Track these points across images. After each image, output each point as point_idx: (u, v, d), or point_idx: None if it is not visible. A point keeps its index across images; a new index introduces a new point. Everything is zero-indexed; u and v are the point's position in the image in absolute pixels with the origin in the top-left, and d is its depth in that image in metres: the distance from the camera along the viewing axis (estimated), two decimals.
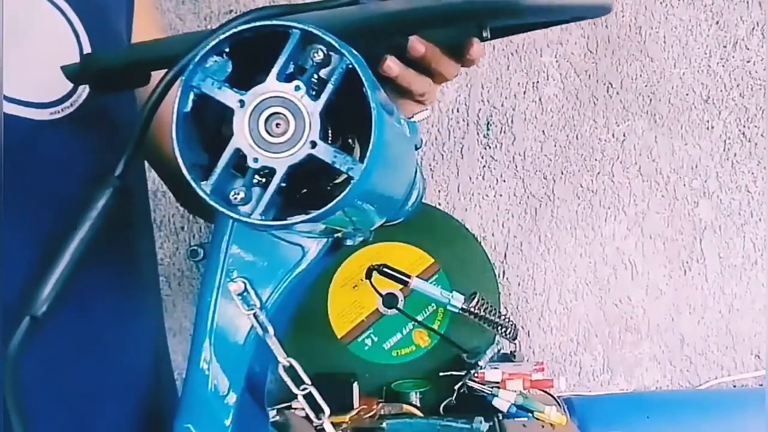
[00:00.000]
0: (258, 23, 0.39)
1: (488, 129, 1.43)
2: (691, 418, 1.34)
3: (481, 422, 1.13)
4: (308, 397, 0.53)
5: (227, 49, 0.40)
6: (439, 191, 1.43)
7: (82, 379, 0.59)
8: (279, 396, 0.81)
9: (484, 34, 0.50)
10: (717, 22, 1.41)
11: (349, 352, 1.30)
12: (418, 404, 1.24)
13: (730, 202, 1.44)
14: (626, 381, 1.46)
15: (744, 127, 1.43)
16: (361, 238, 0.55)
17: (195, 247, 1.12)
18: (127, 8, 0.69)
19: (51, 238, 0.48)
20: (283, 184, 0.38)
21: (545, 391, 1.21)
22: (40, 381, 0.54)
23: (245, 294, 0.53)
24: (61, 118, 0.56)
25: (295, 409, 0.88)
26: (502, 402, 1.14)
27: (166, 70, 0.45)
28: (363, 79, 0.38)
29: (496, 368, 1.21)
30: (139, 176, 0.69)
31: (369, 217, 0.48)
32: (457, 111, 1.42)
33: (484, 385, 1.19)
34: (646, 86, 1.42)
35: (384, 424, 1.16)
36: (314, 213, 0.38)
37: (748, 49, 1.42)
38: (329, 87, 0.38)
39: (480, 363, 1.22)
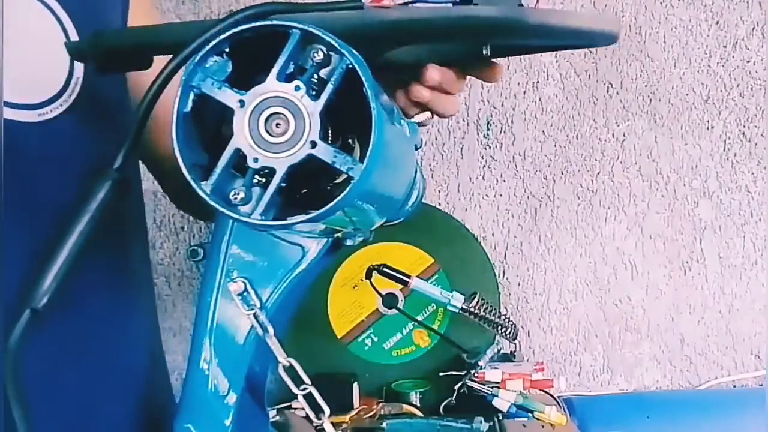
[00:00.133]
0: (258, 23, 0.39)
1: (488, 129, 1.43)
2: (691, 418, 1.34)
3: (481, 422, 1.13)
4: (308, 397, 0.53)
5: (227, 49, 0.40)
6: (439, 191, 1.43)
7: (79, 379, 0.59)
8: (279, 396, 0.81)
9: (485, 52, 0.50)
10: (717, 22, 1.41)
11: (349, 352, 1.30)
12: (418, 404, 1.24)
13: (730, 202, 1.44)
14: (626, 381, 1.46)
15: (744, 127, 1.43)
16: (361, 238, 0.55)
17: (195, 247, 1.12)
18: (122, 4, 0.68)
19: (43, 240, 0.48)
20: (283, 184, 0.38)
21: (545, 391, 1.21)
22: (37, 381, 0.54)
23: (245, 294, 0.53)
24: (49, 119, 0.56)
25: (295, 409, 0.88)
26: (502, 402, 1.14)
27: (167, 61, 0.44)
28: (363, 79, 0.38)
29: (496, 368, 1.21)
30: (134, 174, 0.69)
31: (369, 217, 0.48)
32: (457, 111, 1.42)
33: (484, 385, 1.19)
34: (646, 86, 1.42)
35: (384, 424, 1.16)
36: (314, 213, 0.38)
37: (748, 49, 1.42)
38: (329, 87, 0.38)
39: (480, 363, 1.22)
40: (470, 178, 1.43)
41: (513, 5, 0.47)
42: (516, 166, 1.43)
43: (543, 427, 1.11)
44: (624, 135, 1.43)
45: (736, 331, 1.45)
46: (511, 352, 1.35)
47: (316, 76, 0.39)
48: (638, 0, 1.41)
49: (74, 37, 0.58)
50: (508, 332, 1.24)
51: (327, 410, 0.53)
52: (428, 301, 1.25)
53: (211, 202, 0.38)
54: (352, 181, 0.37)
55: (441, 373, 1.26)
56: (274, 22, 0.39)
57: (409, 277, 1.17)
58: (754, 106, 1.42)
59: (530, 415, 1.13)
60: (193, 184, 0.38)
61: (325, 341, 1.30)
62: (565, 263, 1.44)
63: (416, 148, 0.59)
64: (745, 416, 1.30)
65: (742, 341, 1.45)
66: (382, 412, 1.21)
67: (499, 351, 1.29)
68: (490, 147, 1.43)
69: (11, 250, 0.52)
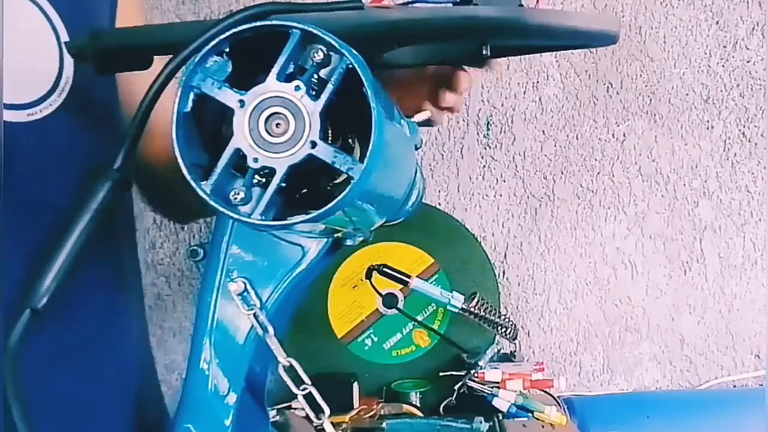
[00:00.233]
0: (258, 23, 0.39)
1: (488, 129, 1.42)
2: (691, 418, 1.34)
3: (481, 422, 1.13)
4: (308, 397, 0.53)
5: (227, 49, 0.40)
6: (439, 191, 1.43)
7: (76, 379, 0.59)
8: (279, 396, 0.81)
9: (484, 52, 0.50)
10: (717, 22, 1.41)
11: (349, 352, 1.30)
12: (418, 404, 1.24)
13: (730, 202, 1.44)
14: (626, 381, 1.46)
15: (744, 127, 1.43)
16: (361, 238, 0.55)
17: (195, 247, 1.12)
18: (111, 3, 0.68)
19: (35, 240, 0.48)
20: (283, 184, 0.38)
21: (545, 391, 1.21)
22: (34, 381, 0.54)
23: (245, 294, 0.53)
24: (39, 119, 0.56)
25: (295, 409, 0.88)
26: (502, 402, 1.14)
27: (167, 60, 0.44)
28: (363, 79, 0.38)
29: (496, 368, 1.21)
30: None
31: (369, 217, 0.48)
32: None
33: (484, 385, 1.19)
34: (646, 86, 1.42)
35: (384, 424, 1.16)
36: (314, 213, 0.38)
37: (748, 49, 1.42)
38: (329, 87, 0.38)
39: (480, 363, 1.22)
40: (470, 178, 1.43)
41: (513, 5, 0.47)
42: (516, 166, 1.43)
43: (543, 427, 1.11)
44: (624, 135, 1.43)
45: (736, 331, 1.45)
46: (511, 352, 1.35)
47: (316, 76, 0.39)
48: (638, 0, 1.41)
49: (64, 36, 0.58)
50: (508, 332, 1.24)
51: (327, 410, 0.53)
52: (428, 301, 1.25)
53: (211, 202, 0.38)
54: (352, 181, 0.37)
55: (441, 373, 1.26)
56: (274, 22, 0.39)
57: (409, 277, 1.17)
58: (754, 106, 1.42)
59: (530, 415, 1.13)
60: (193, 184, 0.38)
61: (325, 341, 1.30)
62: (565, 263, 1.44)
63: (416, 148, 0.59)
64: (745, 416, 1.30)
65: (742, 341, 1.45)
66: (382, 412, 1.21)
67: (499, 351, 1.29)
68: (490, 147, 1.43)
69: (4, 251, 0.52)
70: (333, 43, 0.38)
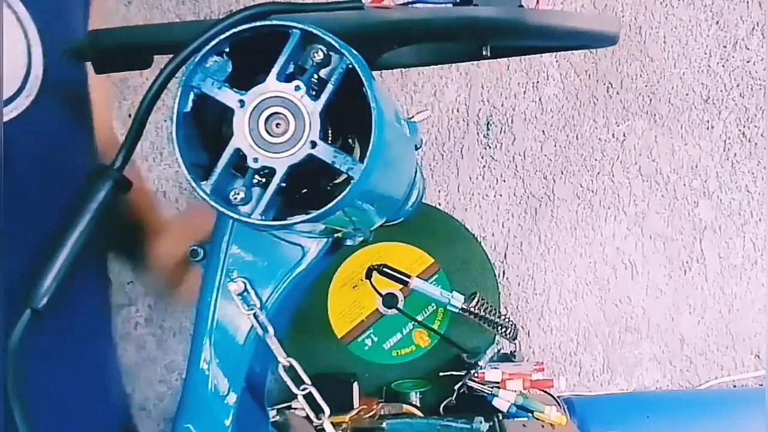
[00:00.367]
0: (258, 23, 0.39)
1: (488, 129, 1.42)
2: (691, 418, 1.34)
3: (481, 422, 1.13)
4: (308, 397, 0.53)
5: (227, 49, 0.40)
6: (439, 191, 1.43)
7: (73, 380, 0.59)
8: (279, 396, 0.81)
9: (484, 52, 0.50)
10: (717, 22, 1.41)
11: (349, 352, 1.30)
12: (418, 404, 1.24)
13: (730, 202, 1.44)
14: (626, 381, 1.46)
15: (744, 127, 1.43)
16: (361, 238, 0.55)
17: (195, 247, 1.12)
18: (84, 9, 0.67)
19: (18, 236, 0.48)
20: (283, 184, 0.38)
21: (545, 391, 1.21)
22: (31, 382, 0.54)
23: (245, 294, 0.53)
24: (8, 120, 0.55)
25: (295, 409, 0.88)
26: (502, 402, 1.14)
27: (168, 59, 0.44)
28: (363, 79, 0.38)
29: (496, 368, 1.21)
30: None
31: (369, 217, 0.48)
32: (457, 111, 1.42)
33: (484, 385, 1.19)
34: (646, 86, 1.42)
35: (384, 424, 1.16)
36: (314, 213, 0.38)
37: (748, 49, 1.42)
38: (329, 87, 0.38)
39: (480, 363, 1.22)
40: (470, 178, 1.43)
41: (513, 6, 0.47)
42: (516, 166, 1.43)
43: (543, 427, 1.11)
44: (624, 135, 1.43)
45: (736, 331, 1.45)
46: (511, 352, 1.35)
47: (316, 76, 0.39)
48: (638, 0, 1.41)
49: (33, 35, 0.57)
50: (508, 332, 1.24)
51: (327, 410, 0.53)
52: (428, 301, 1.25)
53: (211, 202, 0.38)
54: (352, 181, 0.37)
55: (441, 373, 1.26)
56: (274, 22, 0.39)
57: (409, 277, 1.17)
58: (754, 106, 1.42)
59: (530, 415, 1.12)
60: (193, 184, 0.38)
61: (325, 341, 1.30)
62: (565, 263, 1.44)
63: (416, 148, 0.59)
64: (745, 416, 1.30)
65: (742, 341, 1.45)
66: (382, 412, 1.21)
67: (499, 351, 1.29)
68: (490, 147, 1.43)
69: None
70: (333, 43, 0.38)
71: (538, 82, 1.42)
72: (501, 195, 1.43)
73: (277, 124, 0.38)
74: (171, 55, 0.43)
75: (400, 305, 1.28)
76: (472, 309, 1.18)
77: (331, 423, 0.54)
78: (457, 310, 1.18)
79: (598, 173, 1.43)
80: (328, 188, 0.42)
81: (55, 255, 0.46)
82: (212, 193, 0.38)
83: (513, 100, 1.42)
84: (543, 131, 1.43)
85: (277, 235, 0.53)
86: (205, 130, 0.41)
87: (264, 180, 0.39)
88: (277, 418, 0.79)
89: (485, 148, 1.43)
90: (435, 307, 1.30)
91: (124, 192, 0.48)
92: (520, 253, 1.44)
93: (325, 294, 1.30)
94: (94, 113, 0.66)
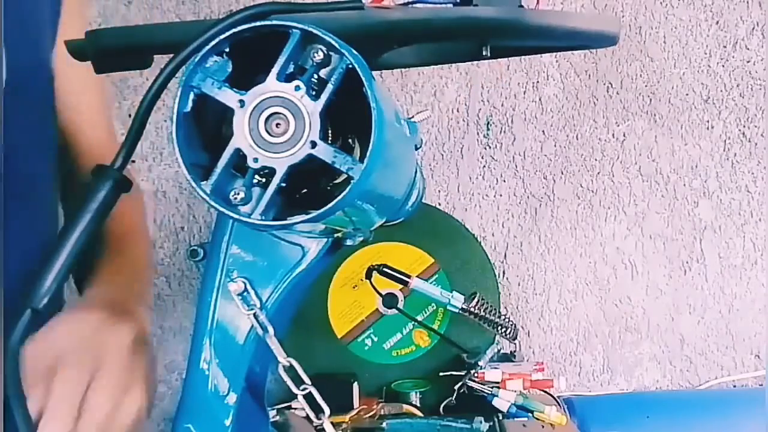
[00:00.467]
0: (258, 23, 0.39)
1: (488, 129, 1.42)
2: (691, 418, 1.34)
3: (481, 422, 1.13)
4: (308, 397, 0.53)
5: (227, 49, 0.40)
6: (439, 191, 1.43)
7: None
8: (279, 396, 0.81)
9: (484, 52, 0.50)
10: (717, 22, 1.41)
11: (349, 352, 1.30)
12: (418, 404, 1.24)
13: (730, 202, 1.44)
14: (626, 381, 1.46)
15: (744, 127, 1.43)
16: (361, 238, 0.55)
17: (195, 247, 1.11)
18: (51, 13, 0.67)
19: None
20: (283, 184, 0.38)
21: (545, 391, 1.21)
22: None
23: (245, 294, 0.53)
24: None
25: (295, 409, 0.88)
26: (502, 402, 1.14)
27: (168, 59, 0.44)
28: (363, 79, 0.38)
29: (496, 368, 1.21)
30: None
31: (369, 217, 0.48)
32: (457, 111, 1.42)
33: (484, 385, 1.19)
34: (646, 86, 1.42)
35: (384, 424, 1.16)
36: (314, 213, 0.38)
37: (748, 49, 1.42)
38: (329, 87, 0.38)
39: (480, 363, 1.22)
40: (470, 178, 1.43)
41: (513, 6, 0.47)
42: (516, 166, 1.43)
43: (543, 427, 1.11)
44: (624, 135, 1.43)
45: (736, 331, 1.45)
46: (511, 352, 1.35)
47: (316, 76, 0.39)
48: (638, 0, 1.41)
49: None
50: (508, 332, 1.24)
51: (327, 410, 0.53)
52: (428, 301, 1.25)
53: (211, 202, 0.38)
54: (352, 181, 0.37)
55: (441, 373, 1.26)
56: (274, 22, 0.39)
57: (409, 277, 1.17)
58: (754, 106, 1.42)
59: (530, 415, 1.12)
60: (193, 184, 0.38)
61: (325, 341, 1.30)
62: (565, 263, 1.44)
63: (416, 148, 0.59)
64: (745, 416, 1.30)
65: (742, 341, 1.45)
66: (382, 412, 1.21)
67: (499, 351, 1.29)
68: (490, 147, 1.43)
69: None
70: (333, 43, 0.38)
71: (538, 82, 1.42)
72: (501, 195, 1.43)
73: (277, 124, 0.38)
74: (171, 55, 0.43)
75: (400, 305, 1.28)
76: (472, 309, 1.18)
77: (331, 423, 0.54)
78: (457, 310, 1.18)
79: (598, 173, 1.43)
80: (328, 188, 0.42)
81: (55, 255, 0.46)
82: (212, 193, 0.38)
83: (513, 100, 1.42)
84: (543, 131, 1.43)
85: (277, 235, 0.53)
86: (205, 130, 0.41)
87: (264, 180, 0.39)
88: (277, 418, 0.79)
89: (485, 148, 1.43)
90: (435, 307, 1.30)
91: (124, 192, 0.48)
92: (520, 253, 1.44)
93: (325, 294, 1.30)
94: (86, 115, 0.66)
